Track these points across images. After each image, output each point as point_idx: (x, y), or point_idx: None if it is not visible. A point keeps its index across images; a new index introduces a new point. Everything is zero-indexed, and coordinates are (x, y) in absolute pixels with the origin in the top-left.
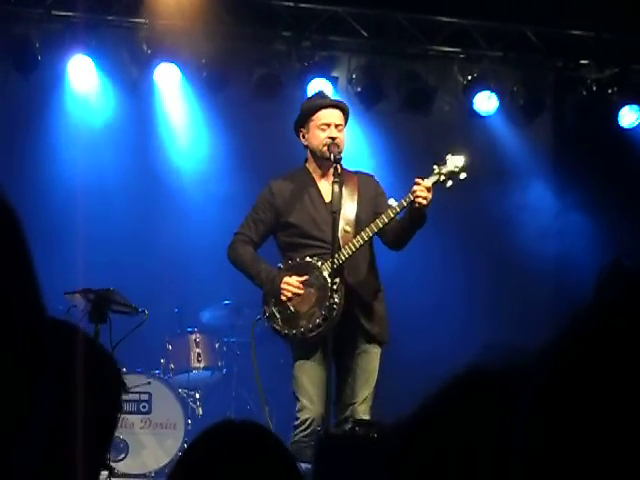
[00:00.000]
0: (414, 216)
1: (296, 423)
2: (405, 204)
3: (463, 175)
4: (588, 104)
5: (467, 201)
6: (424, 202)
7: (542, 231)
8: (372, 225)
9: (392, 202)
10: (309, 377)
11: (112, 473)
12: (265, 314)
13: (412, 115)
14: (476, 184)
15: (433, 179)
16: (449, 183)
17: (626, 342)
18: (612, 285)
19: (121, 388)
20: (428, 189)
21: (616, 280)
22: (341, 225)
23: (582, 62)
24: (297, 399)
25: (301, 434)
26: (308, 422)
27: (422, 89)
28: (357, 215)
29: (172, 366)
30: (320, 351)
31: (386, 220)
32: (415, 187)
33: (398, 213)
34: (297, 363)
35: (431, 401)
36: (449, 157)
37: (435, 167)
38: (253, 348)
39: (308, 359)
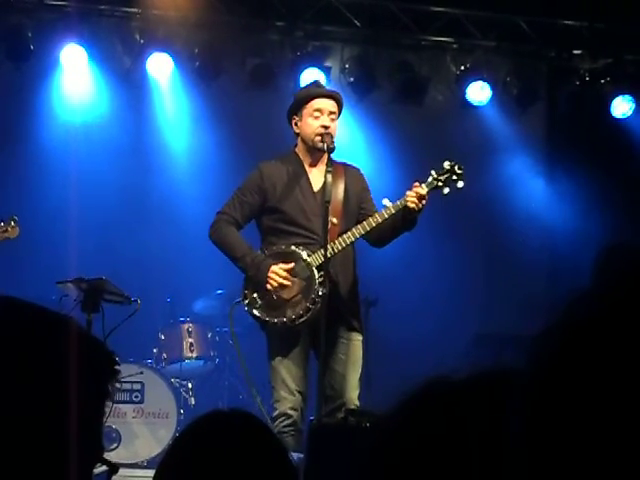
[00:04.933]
0: (405, 219)
1: (275, 414)
2: (400, 206)
3: (460, 184)
4: (581, 94)
5: (459, 191)
6: (416, 209)
7: (535, 220)
8: (365, 224)
9: (386, 202)
10: (287, 368)
11: (114, 469)
12: (245, 299)
13: (405, 105)
14: (469, 174)
15: (429, 186)
16: (446, 190)
17: (625, 329)
18: (609, 270)
19: (113, 376)
20: (422, 197)
21: (613, 265)
22: (329, 216)
23: (575, 52)
24: (274, 390)
25: (281, 425)
26: (288, 413)
27: (415, 79)
28: (344, 207)
29: (165, 356)
30: (299, 342)
31: (380, 220)
32: (408, 192)
33: (392, 214)
34: (274, 354)
35: (393, 412)
36: (447, 164)
37: (432, 173)
38: (232, 334)
39: (286, 350)
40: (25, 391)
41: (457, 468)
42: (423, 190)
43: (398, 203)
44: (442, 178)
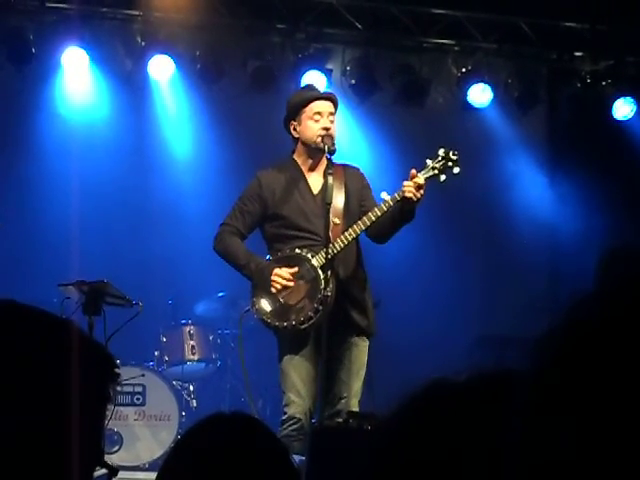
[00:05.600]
0: (403, 211)
1: (284, 418)
2: (398, 198)
3: (457, 170)
4: (582, 96)
5: (461, 193)
6: (414, 198)
7: (536, 222)
8: (364, 218)
9: (385, 196)
10: (298, 372)
11: (113, 472)
12: (254, 306)
13: (406, 107)
14: (470, 176)
15: (426, 175)
16: (442, 177)
17: (628, 332)
18: (613, 273)
19: (113, 379)
20: (420, 186)
21: (616, 268)
22: (330, 217)
23: (576, 54)
24: (284, 394)
25: (289, 429)
26: (297, 417)
27: (416, 81)
28: (345, 207)
29: (166, 358)
30: (309, 346)
31: (379, 214)
32: (405, 183)
33: (391, 207)
34: (285, 357)
35: (394, 414)
36: (441, 151)
37: (428, 162)
38: (240, 340)
39: (297, 354)
40: (26, 395)
41: (458, 470)
42: (420, 179)
43: (396, 195)
44: (438, 165)
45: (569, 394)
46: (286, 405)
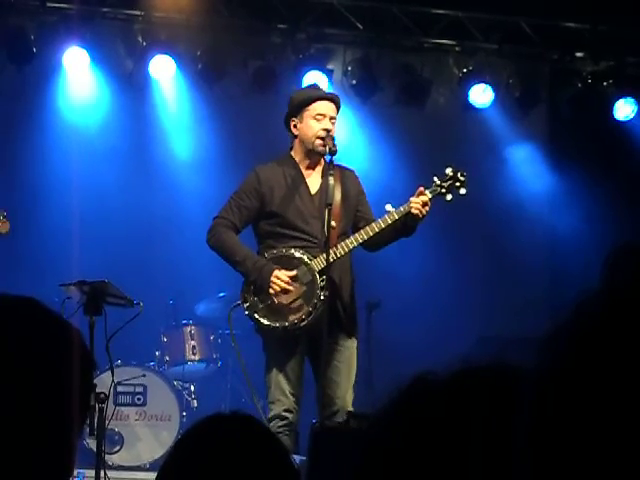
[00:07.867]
0: (406, 225)
1: (270, 415)
2: (403, 212)
3: (463, 190)
4: (583, 97)
5: (462, 198)
6: (420, 215)
7: (536, 222)
8: (367, 229)
9: (389, 208)
10: (284, 372)
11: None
12: (245, 302)
13: (407, 108)
14: (471, 176)
15: (433, 192)
16: (449, 197)
17: (635, 329)
18: (621, 270)
19: (94, 367)
20: (426, 203)
21: (623, 265)
22: (330, 219)
23: (578, 54)
24: (270, 392)
25: (276, 426)
26: (283, 415)
27: (417, 82)
28: (342, 210)
29: (167, 358)
30: (295, 345)
31: (383, 226)
32: (412, 199)
33: (396, 220)
34: (272, 357)
35: (380, 410)
36: (449, 170)
37: (435, 179)
38: (232, 336)
39: (284, 354)
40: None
41: (444, 466)
42: (427, 197)
43: (401, 209)
44: (445, 185)
45: (579, 391)
46: (271, 403)
